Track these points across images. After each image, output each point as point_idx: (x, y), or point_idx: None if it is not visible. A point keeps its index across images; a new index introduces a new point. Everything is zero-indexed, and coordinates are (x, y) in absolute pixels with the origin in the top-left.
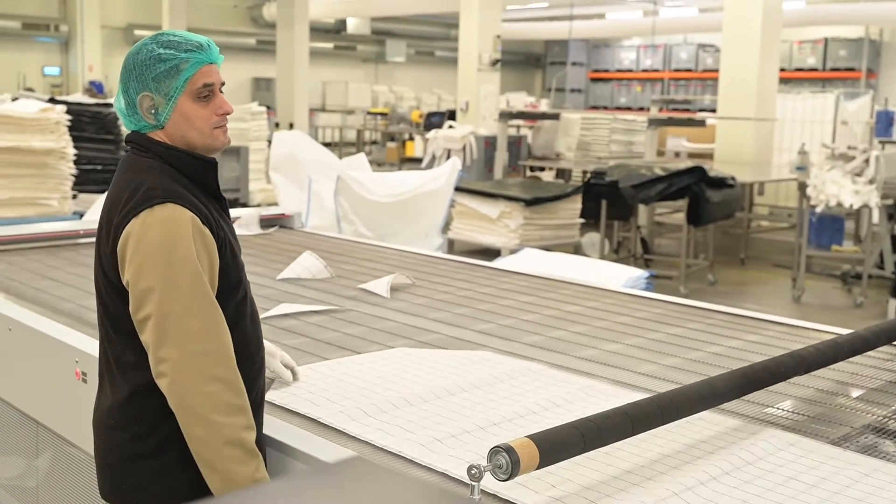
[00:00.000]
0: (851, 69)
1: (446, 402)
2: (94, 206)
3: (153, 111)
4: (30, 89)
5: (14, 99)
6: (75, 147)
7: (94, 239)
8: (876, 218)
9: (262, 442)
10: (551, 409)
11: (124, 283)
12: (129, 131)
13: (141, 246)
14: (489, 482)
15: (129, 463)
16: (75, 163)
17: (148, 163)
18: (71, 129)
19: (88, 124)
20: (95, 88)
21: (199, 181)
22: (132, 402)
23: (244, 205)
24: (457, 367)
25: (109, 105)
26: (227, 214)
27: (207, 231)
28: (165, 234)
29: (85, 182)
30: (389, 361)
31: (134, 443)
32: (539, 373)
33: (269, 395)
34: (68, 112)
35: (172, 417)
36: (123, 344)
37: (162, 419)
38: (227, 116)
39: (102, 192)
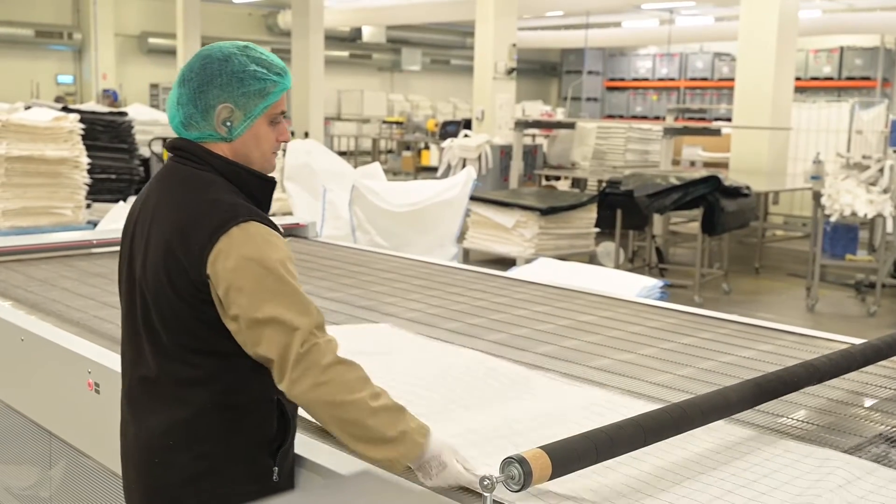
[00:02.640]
0: (867, 78)
1: (460, 412)
2: (109, 216)
3: (228, 124)
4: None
5: (27, 107)
6: (89, 156)
7: (108, 248)
8: (890, 227)
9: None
10: (562, 419)
11: (217, 296)
12: (175, 137)
13: (239, 264)
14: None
15: (192, 483)
16: (89, 172)
17: (207, 176)
18: (84, 137)
19: (102, 133)
20: (112, 97)
21: (254, 198)
22: (200, 420)
23: None
24: (471, 376)
25: (123, 114)
26: None
27: (287, 245)
28: (259, 249)
29: (99, 191)
30: (401, 365)
31: (197, 461)
32: (553, 382)
33: None
34: (82, 121)
35: (238, 434)
36: (191, 361)
37: (228, 435)
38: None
39: (116, 201)
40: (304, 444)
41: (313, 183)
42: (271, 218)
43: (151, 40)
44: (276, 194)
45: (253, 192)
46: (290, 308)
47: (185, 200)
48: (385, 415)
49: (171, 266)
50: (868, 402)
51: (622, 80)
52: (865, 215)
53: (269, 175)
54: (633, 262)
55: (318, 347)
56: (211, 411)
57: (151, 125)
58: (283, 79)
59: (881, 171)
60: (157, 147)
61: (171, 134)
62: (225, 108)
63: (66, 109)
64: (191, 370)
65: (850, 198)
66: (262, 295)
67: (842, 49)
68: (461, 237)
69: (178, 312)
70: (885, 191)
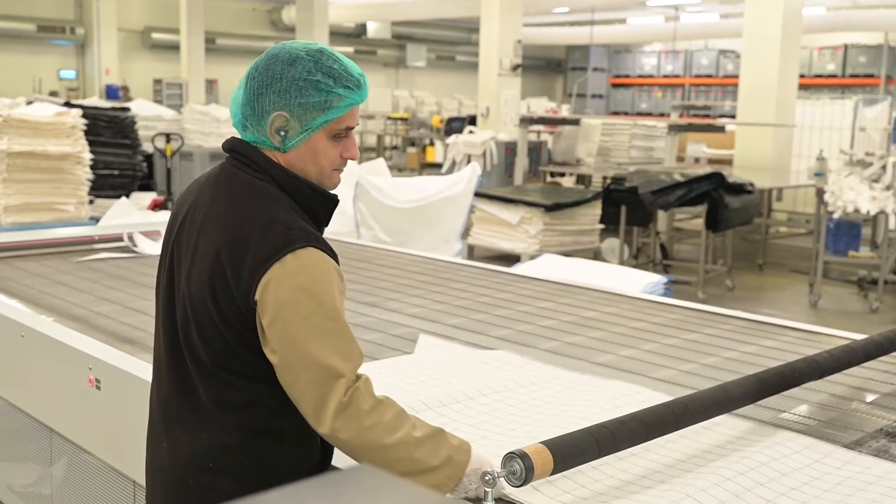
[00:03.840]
0: (870, 76)
1: (462, 405)
2: (111, 212)
3: (282, 133)
4: (53, 93)
5: (29, 102)
6: (92, 152)
7: (110, 244)
8: (892, 224)
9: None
10: (564, 410)
11: (261, 326)
12: (235, 138)
13: (289, 297)
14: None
15: None
16: (92, 168)
17: (266, 188)
18: (87, 133)
19: (105, 128)
20: (113, 93)
21: (314, 215)
22: (241, 443)
23: None
24: (473, 369)
25: (126, 109)
26: None
27: (342, 276)
28: (313, 283)
29: (102, 187)
30: (408, 364)
31: (236, 486)
32: (555, 373)
33: None
34: (84, 116)
35: (280, 459)
36: (234, 383)
37: (270, 461)
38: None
39: (119, 197)
40: None
41: None
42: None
43: (155, 35)
44: None
45: (313, 208)
46: (334, 350)
47: (240, 215)
48: (429, 444)
49: (218, 287)
50: (869, 398)
51: (627, 76)
52: (868, 212)
53: (333, 193)
54: (638, 259)
55: (358, 392)
56: (253, 435)
57: (154, 121)
58: (351, 93)
59: (884, 167)
60: (161, 143)
61: (173, 130)
62: (279, 116)
63: (68, 104)
64: (233, 392)
65: (853, 195)
66: (309, 332)
67: (846, 46)
68: (465, 233)
69: (222, 334)
70: (888, 188)
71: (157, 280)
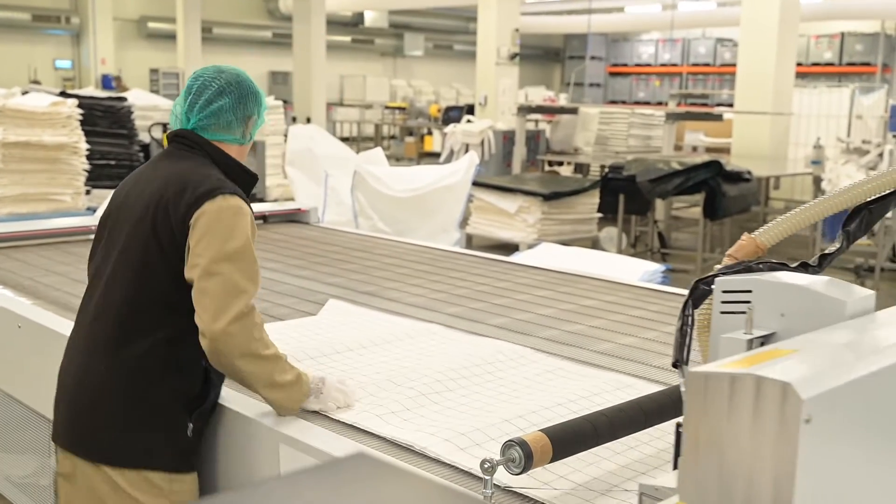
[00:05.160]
0: (867, 64)
1: (459, 393)
2: (108, 201)
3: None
4: (35, 82)
5: (24, 93)
6: (88, 142)
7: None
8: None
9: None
10: (564, 402)
11: (188, 245)
12: (178, 129)
13: (215, 224)
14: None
15: (116, 424)
16: (88, 158)
17: (202, 160)
18: (83, 123)
19: (101, 118)
20: (109, 82)
21: (239, 186)
22: (137, 370)
23: (261, 200)
24: (472, 359)
25: (122, 99)
26: None
27: (254, 224)
28: (235, 218)
29: (98, 177)
30: (309, 323)
31: (126, 407)
32: (553, 364)
33: None
34: (80, 106)
35: (171, 386)
36: (142, 312)
37: (159, 387)
38: None
39: (115, 187)
40: (298, 427)
41: (315, 168)
42: (276, 202)
43: (151, 25)
44: (278, 180)
45: (239, 182)
46: (243, 272)
47: (180, 171)
48: (285, 363)
49: (160, 215)
50: None
51: (625, 65)
52: None
53: (254, 172)
54: (636, 247)
55: (254, 311)
56: (149, 363)
57: (151, 110)
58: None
59: (881, 155)
60: (157, 132)
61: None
62: (252, 118)
63: (64, 94)
64: (139, 321)
65: (849, 182)
66: (226, 254)
67: (842, 35)
68: (464, 223)
69: (149, 259)
70: None
71: (93, 250)
